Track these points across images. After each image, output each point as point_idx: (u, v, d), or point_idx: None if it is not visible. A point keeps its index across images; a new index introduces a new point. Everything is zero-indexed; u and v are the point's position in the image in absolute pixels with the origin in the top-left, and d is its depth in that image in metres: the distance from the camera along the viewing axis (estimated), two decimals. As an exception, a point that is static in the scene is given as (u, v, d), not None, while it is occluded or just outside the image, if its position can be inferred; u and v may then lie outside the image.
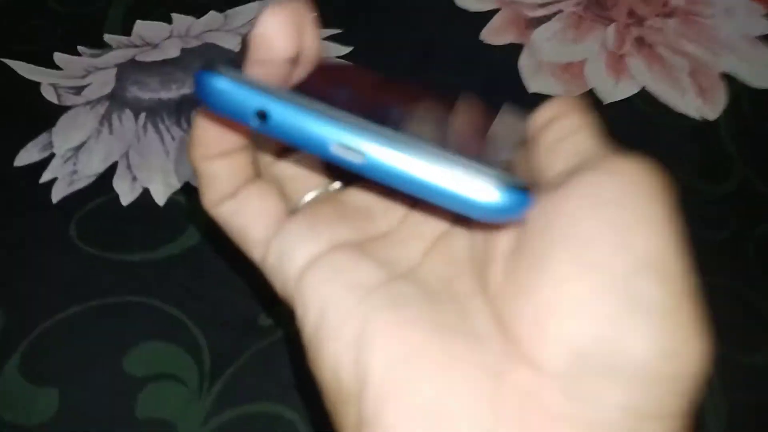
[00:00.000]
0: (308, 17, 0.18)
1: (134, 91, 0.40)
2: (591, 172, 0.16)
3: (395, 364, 0.16)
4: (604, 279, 0.14)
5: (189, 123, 0.39)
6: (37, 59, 0.41)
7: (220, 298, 0.33)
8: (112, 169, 0.37)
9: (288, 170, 0.21)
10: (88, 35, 0.43)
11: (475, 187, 0.15)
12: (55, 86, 0.40)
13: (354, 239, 0.19)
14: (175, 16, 0.44)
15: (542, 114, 0.19)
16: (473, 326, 0.16)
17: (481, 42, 0.45)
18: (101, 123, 0.38)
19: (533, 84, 0.43)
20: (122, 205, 0.36)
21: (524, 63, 0.44)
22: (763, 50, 0.45)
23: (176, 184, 0.36)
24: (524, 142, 0.19)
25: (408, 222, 0.20)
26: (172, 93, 0.40)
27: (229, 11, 0.45)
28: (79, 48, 0.42)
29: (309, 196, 0.21)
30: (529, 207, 0.15)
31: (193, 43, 0.43)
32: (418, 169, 0.15)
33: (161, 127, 0.39)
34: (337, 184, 0.21)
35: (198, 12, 0.45)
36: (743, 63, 0.44)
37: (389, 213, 0.20)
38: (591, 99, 0.42)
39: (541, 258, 0.15)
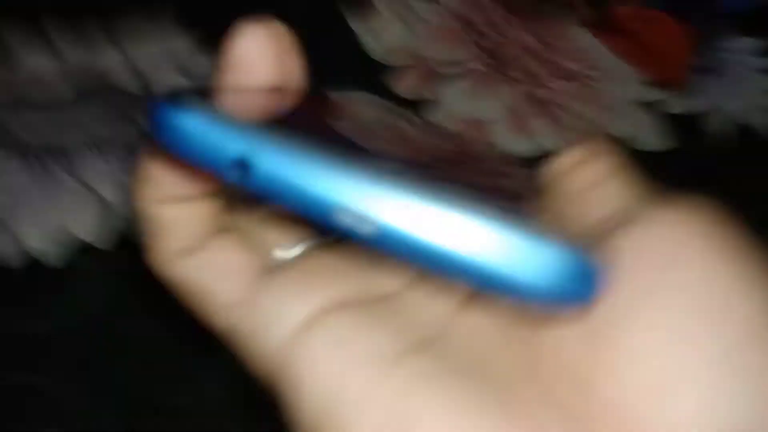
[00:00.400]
0: (291, 39, 0.15)
1: (19, 132, 0.36)
2: (643, 226, 0.13)
3: None
4: (703, 352, 0.12)
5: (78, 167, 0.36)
6: None
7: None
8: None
9: (261, 218, 0.17)
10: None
11: (543, 271, 0.11)
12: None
13: (360, 298, 0.15)
14: (65, 49, 0.41)
15: (563, 160, 0.16)
16: (540, 411, 0.13)
17: (394, 93, 0.45)
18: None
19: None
20: None
21: (437, 119, 0.45)
22: (641, 115, 0.49)
23: (55, 231, 0.33)
24: (538, 193, 0.16)
25: (427, 277, 0.16)
26: (62, 137, 0.37)
27: (134, 50, 0.42)
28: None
29: (293, 252, 0.17)
30: (602, 289, 0.12)
31: (90, 83, 0.40)
32: (456, 246, 0.11)
33: (44, 170, 0.35)
34: (327, 237, 0.17)
35: (94, 46, 0.42)
36: (628, 127, 0.48)
37: (400, 268, 0.16)
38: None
39: (621, 331, 0.13)
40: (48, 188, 0.35)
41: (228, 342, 0.16)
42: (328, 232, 0.16)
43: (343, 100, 0.20)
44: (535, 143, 0.45)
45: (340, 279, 0.15)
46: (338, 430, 0.13)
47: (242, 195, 0.16)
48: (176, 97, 0.12)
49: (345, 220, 0.11)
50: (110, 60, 0.42)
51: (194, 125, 0.12)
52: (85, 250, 0.33)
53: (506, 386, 0.13)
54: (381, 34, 0.49)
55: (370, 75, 0.46)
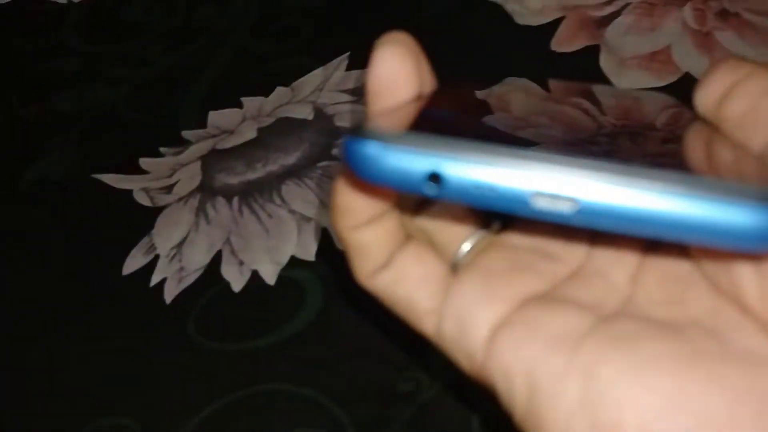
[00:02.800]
0: (418, 48, 0.16)
1: (222, 178, 0.40)
2: None
3: (656, 415, 0.12)
4: None
5: (281, 198, 0.38)
6: (125, 168, 0.42)
7: (353, 369, 0.31)
8: (217, 259, 0.36)
9: (432, 221, 0.19)
10: (167, 136, 0.43)
11: (746, 214, 0.11)
12: (146, 190, 0.40)
13: (540, 288, 0.16)
14: (244, 99, 0.45)
15: (713, 85, 0.15)
16: (740, 347, 0.13)
17: (554, 52, 0.43)
18: (197, 215, 0.38)
19: (621, 81, 0.41)
20: (234, 292, 0.34)
21: (604, 63, 0.42)
22: None
23: (283, 261, 0.35)
24: (696, 127, 0.16)
25: (597, 251, 0.16)
26: (259, 172, 0.40)
27: (295, 83, 0.45)
28: (161, 149, 0.43)
29: (467, 246, 0.18)
30: None
31: (267, 121, 0.43)
32: (662, 206, 0.11)
33: (255, 207, 0.38)
34: (495, 226, 0.18)
35: (265, 91, 0.45)
36: None
37: (569, 246, 0.17)
38: (689, 83, 0.39)
39: None
40: (260, 220, 0.37)
41: (436, 344, 0.17)
42: (496, 221, 0.18)
43: (495, 93, 0.19)
44: (728, 55, 0.40)
45: (520, 274, 0.17)
46: (541, 412, 0.14)
47: (408, 202, 0.18)
48: (360, 129, 0.13)
49: (542, 204, 0.12)
50: (281, 95, 0.45)
51: (383, 152, 0.13)
52: (298, 264, 0.35)
53: (696, 334, 0.14)
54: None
55: (523, 43, 0.44)
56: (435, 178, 0.12)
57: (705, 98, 0.15)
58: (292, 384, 0.31)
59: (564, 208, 0.12)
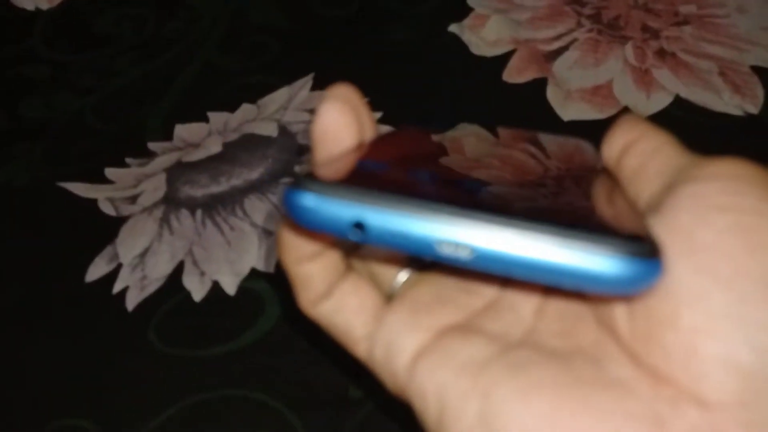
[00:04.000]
0: (361, 99, 0.18)
1: (186, 191, 0.41)
2: (692, 182, 0.15)
3: None
4: (745, 286, 0.13)
5: (244, 211, 0.40)
6: (91, 177, 0.43)
7: (306, 376, 0.33)
8: (179, 269, 0.37)
9: (372, 255, 0.21)
10: (133, 147, 0.45)
11: (607, 264, 0.13)
12: (111, 199, 0.41)
13: (458, 319, 0.18)
14: (211, 114, 0.46)
15: (614, 142, 0.18)
16: (612, 375, 0.15)
17: (505, 83, 0.46)
18: (161, 226, 0.39)
19: (565, 113, 0.44)
20: (195, 302, 0.36)
21: (551, 95, 0.45)
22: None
23: (244, 272, 0.37)
24: (601, 175, 0.18)
25: (508, 287, 0.19)
26: (223, 186, 0.41)
27: (260, 100, 0.47)
28: (127, 160, 0.44)
29: (401, 278, 0.20)
30: (663, 273, 0.14)
31: (233, 137, 0.44)
32: (538, 256, 0.13)
33: (218, 219, 0.39)
34: (425, 262, 0.20)
35: (231, 106, 0.47)
36: (768, 54, 0.45)
37: (486, 282, 0.19)
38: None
39: (670, 283, 0.14)
40: (223, 232, 0.39)
41: (369, 367, 0.19)
42: (425, 260, 0.20)
43: (448, 137, 0.22)
44: (668, 93, 0.43)
45: (442, 307, 0.18)
46: (448, 426, 0.16)
47: (353, 243, 0.19)
48: (299, 182, 0.15)
49: (446, 251, 0.14)
50: (247, 112, 0.46)
51: (315, 203, 0.15)
52: (258, 276, 0.36)
53: (580, 362, 0.15)
54: (480, 30, 0.49)
55: (477, 71, 0.47)
56: (360, 226, 0.14)
57: (608, 152, 0.18)
58: (246, 390, 0.32)
59: (463, 254, 0.14)
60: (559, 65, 0.47)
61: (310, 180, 0.15)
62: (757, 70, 0.44)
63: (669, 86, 0.44)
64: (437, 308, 0.18)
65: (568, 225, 0.13)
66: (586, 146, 0.21)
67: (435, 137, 0.21)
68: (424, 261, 0.20)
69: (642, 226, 0.15)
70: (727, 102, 0.42)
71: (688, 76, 0.44)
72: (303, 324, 0.34)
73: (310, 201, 0.15)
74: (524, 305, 0.18)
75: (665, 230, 0.15)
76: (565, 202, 0.16)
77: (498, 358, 0.16)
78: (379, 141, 0.18)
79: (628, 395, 0.14)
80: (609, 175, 0.18)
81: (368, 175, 0.16)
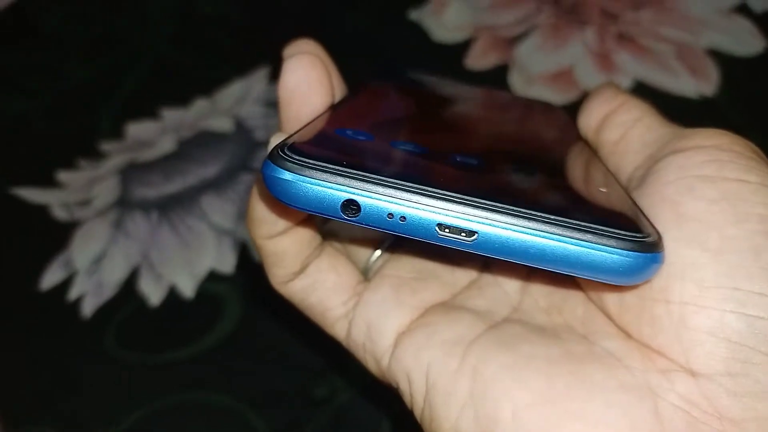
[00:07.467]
0: (326, 55, 0.17)
1: (141, 192, 0.40)
2: (676, 154, 0.15)
3: (526, 409, 0.14)
4: (733, 257, 0.13)
5: (201, 210, 0.39)
6: (42, 181, 0.41)
7: (269, 376, 0.32)
8: (136, 272, 0.36)
9: (347, 228, 0.19)
10: (85, 148, 0.43)
11: (612, 258, 0.13)
12: (63, 204, 0.40)
13: (442, 297, 0.18)
14: (165, 112, 0.45)
15: (593, 111, 0.17)
16: (601, 349, 0.15)
17: (468, 69, 0.45)
18: (116, 229, 0.38)
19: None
20: (153, 306, 0.35)
21: (515, 80, 0.45)
22: (738, 20, 0.46)
23: (202, 274, 0.36)
24: (579, 144, 0.17)
25: (493, 262, 0.18)
26: (178, 185, 0.40)
27: (215, 95, 0.46)
28: (79, 162, 0.42)
29: (378, 252, 0.19)
30: (661, 263, 0.14)
31: (188, 134, 0.43)
32: (541, 245, 0.13)
33: (175, 220, 0.38)
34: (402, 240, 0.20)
35: (184, 102, 0.45)
36: (723, 36, 0.45)
37: (470, 257, 0.18)
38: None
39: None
40: (179, 233, 0.38)
41: (347, 348, 0.19)
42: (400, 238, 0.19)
43: (409, 87, 0.21)
44: (628, 77, 0.43)
45: (424, 284, 0.18)
46: (436, 408, 0.15)
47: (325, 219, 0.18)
48: (277, 155, 0.13)
49: (445, 235, 0.13)
50: (201, 108, 0.45)
51: (302, 181, 0.13)
52: (217, 278, 0.36)
53: (569, 336, 0.15)
54: (441, 16, 0.49)
55: (439, 57, 0.46)
56: (351, 206, 0.13)
57: (586, 123, 0.17)
58: (208, 393, 0.32)
59: (464, 239, 0.13)
60: (521, 50, 0.46)
61: (293, 153, 0.14)
62: (711, 53, 0.44)
63: (629, 70, 0.44)
64: (421, 284, 0.18)
65: (573, 213, 0.13)
66: (556, 109, 0.20)
67: (405, 91, 0.20)
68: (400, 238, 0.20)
69: (632, 207, 0.14)
70: (683, 86, 0.42)
71: (648, 59, 0.44)
72: (264, 324, 0.34)
73: (296, 179, 0.13)
74: (509, 282, 0.18)
75: (652, 203, 0.14)
76: (559, 182, 0.16)
77: (486, 335, 0.16)
78: (351, 103, 0.17)
79: (620, 368, 0.14)
80: (586, 144, 0.17)
81: (354, 148, 0.15)
